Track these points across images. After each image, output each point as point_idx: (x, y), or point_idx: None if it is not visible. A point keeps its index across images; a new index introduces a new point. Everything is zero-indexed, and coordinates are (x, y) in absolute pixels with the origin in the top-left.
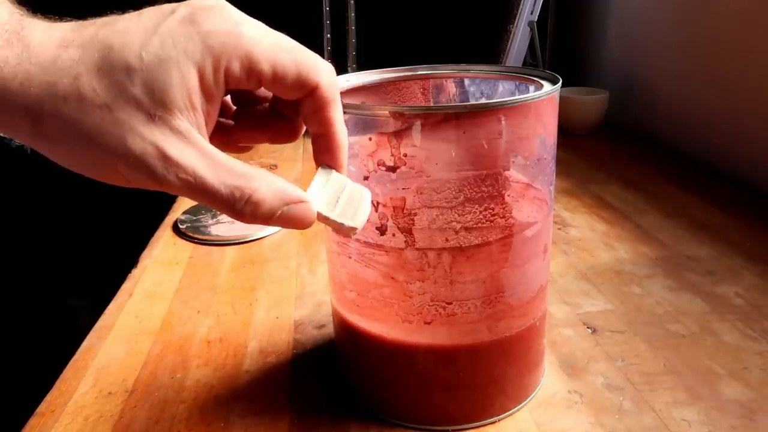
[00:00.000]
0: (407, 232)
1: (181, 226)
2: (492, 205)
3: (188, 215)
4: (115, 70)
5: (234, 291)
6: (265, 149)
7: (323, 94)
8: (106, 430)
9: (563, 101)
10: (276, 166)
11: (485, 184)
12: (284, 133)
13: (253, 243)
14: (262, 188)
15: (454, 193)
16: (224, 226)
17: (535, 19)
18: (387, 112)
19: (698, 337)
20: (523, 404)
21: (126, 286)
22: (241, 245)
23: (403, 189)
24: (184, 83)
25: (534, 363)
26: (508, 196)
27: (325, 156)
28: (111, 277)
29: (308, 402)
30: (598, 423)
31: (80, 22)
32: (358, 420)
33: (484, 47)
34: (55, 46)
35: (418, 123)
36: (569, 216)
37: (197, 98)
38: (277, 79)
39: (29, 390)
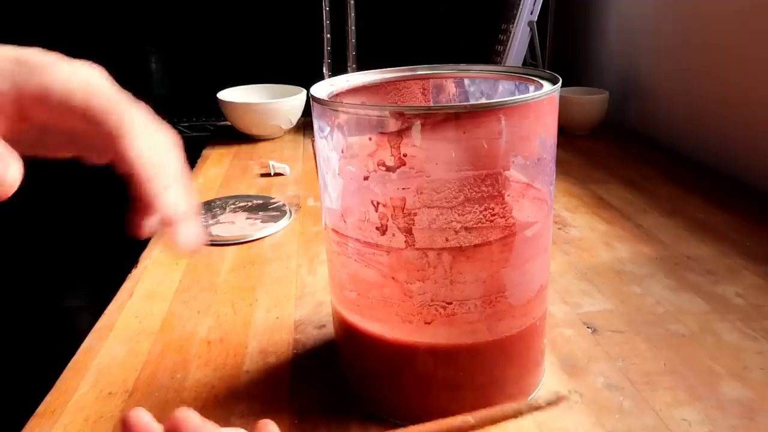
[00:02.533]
0: (407, 232)
1: None
2: (492, 205)
3: None
4: None
5: (234, 291)
6: (265, 149)
7: (111, 125)
8: (107, 430)
9: (563, 101)
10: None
11: (485, 184)
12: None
13: (253, 243)
14: None
15: (454, 193)
16: (224, 226)
17: (535, 19)
18: (387, 112)
19: (698, 337)
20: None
21: (126, 286)
22: (241, 245)
23: (403, 189)
24: None
25: (534, 363)
26: (508, 196)
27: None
28: (111, 277)
29: (308, 402)
30: (598, 423)
31: None
32: (358, 420)
33: (484, 47)
34: None
35: (418, 123)
36: (569, 216)
37: None
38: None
39: (29, 390)
